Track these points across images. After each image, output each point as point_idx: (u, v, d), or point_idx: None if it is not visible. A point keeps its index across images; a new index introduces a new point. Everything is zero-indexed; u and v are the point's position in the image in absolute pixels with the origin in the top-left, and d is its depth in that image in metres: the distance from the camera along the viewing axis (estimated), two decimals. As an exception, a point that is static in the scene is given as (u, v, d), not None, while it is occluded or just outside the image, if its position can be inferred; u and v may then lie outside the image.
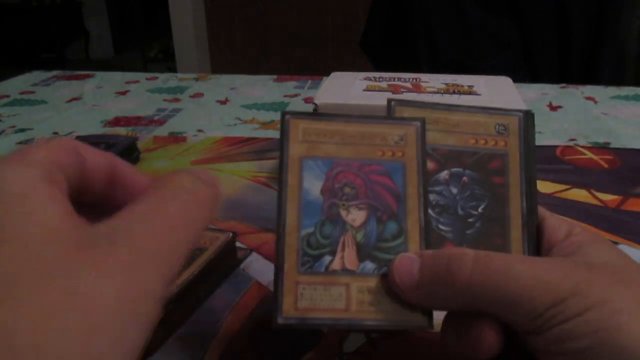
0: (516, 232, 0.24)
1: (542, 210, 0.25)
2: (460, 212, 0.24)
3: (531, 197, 0.24)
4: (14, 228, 0.14)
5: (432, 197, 0.24)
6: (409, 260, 0.22)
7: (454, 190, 0.24)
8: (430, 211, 0.24)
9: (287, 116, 0.24)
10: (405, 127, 0.24)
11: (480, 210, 0.24)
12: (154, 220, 0.17)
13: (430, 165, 0.24)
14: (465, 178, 0.24)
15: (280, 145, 0.24)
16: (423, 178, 0.24)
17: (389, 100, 0.25)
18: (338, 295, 0.22)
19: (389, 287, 0.22)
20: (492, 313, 0.21)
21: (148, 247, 0.16)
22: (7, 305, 0.13)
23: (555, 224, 0.24)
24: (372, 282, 0.23)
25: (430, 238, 0.23)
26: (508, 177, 0.24)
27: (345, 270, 0.23)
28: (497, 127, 0.25)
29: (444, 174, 0.24)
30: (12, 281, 0.13)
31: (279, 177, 0.23)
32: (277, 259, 0.23)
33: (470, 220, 0.24)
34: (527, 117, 0.25)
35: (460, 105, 0.25)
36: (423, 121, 0.24)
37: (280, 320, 0.22)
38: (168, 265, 0.16)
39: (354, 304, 0.22)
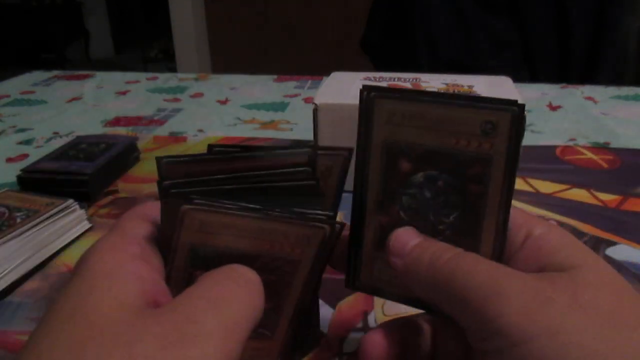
0: (486, 247, 0.22)
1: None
2: (431, 218, 0.23)
3: (507, 210, 0.22)
4: (94, 301, 0.17)
5: (404, 199, 0.23)
6: (410, 235, 0.23)
7: (428, 195, 0.23)
8: (401, 213, 0.23)
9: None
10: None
11: (452, 218, 0.22)
12: (212, 300, 0.19)
13: (405, 165, 0.23)
14: (440, 182, 0.22)
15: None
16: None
17: (362, 91, 0.22)
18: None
19: None
20: (449, 312, 0.21)
21: (197, 326, 0.17)
22: None
23: (516, 223, 0.22)
24: None
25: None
26: (488, 187, 0.21)
27: None
28: (483, 125, 0.21)
29: (419, 176, 0.23)
30: (82, 348, 0.16)
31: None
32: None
33: (441, 227, 0.23)
34: (520, 115, 0.21)
35: (445, 94, 0.22)
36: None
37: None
38: (228, 342, 0.18)
39: None
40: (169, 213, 0.21)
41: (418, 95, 0.22)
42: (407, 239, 0.22)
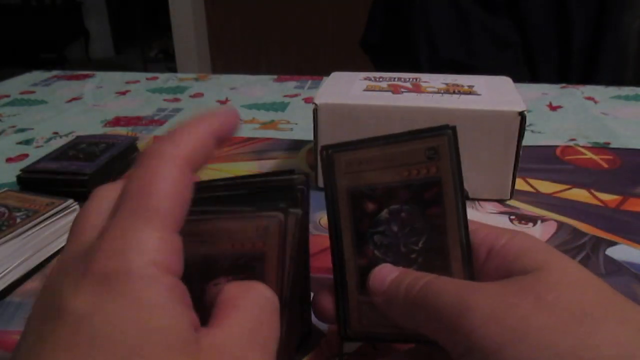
0: (457, 264, 0.24)
1: (472, 223, 0.24)
2: (402, 249, 0.24)
3: (465, 222, 0.24)
4: (143, 338, 0.16)
5: (375, 238, 0.25)
6: (388, 270, 0.24)
7: (395, 228, 0.24)
8: (376, 252, 0.25)
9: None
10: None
11: (420, 245, 0.24)
12: (250, 333, 0.19)
13: (370, 206, 0.25)
14: (403, 214, 0.24)
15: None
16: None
17: (321, 150, 0.25)
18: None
19: None
20: (430, 335, 0.21)
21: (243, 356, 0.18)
22: None
23: (478, 239, 0.23)
24: None
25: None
26: (444, 205, 0.24)
27: None
28: (427, 152, 0.24)
29: (384, 213, 0.24)
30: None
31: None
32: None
33: (412, 256, 0.24)
34: (455, 134, 0.24)
35: (389, 136, 0.25)
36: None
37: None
38: None
39: None
40: None
41: (368, 142, 0.25)
42: (384, 275, 0.23)
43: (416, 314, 0.21)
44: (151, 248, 0.17)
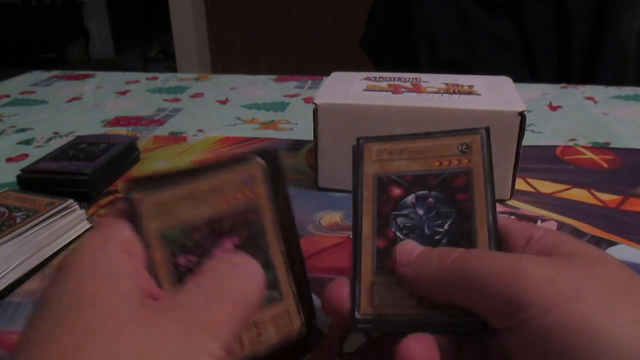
0: (483, 246, 0.24)
1: (502, 218, 0.25)
2: (427, 231, 0.25)
3: (494, 208, 0.25)
4: (96, 292, 0.18)
5: (399, 220, 0.25)
6: (413, 245, 0.24)
7: (420, 212, 0.25)
8: (398, 233, 0.25)
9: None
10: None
11: (446, 227, 0.25)
12: (208, 292, 0.20)
13: (396, 191, 0.26)
14: (430, 199, 0.25)
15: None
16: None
17: (358, 139, 0.27)
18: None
19: None
20: (465, 303, 0.22)
21: (202, 315, 0.19)
22: (87, 349, 0.16)
23: (515, 229, 0.24)
24: None
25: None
26: (473, 192, 0.25)
27: None
28: (460, 147, 0.26)
29: (410, 198, 0.26)
30: (92, 333, 0.17)
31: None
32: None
33: (437, 237, 0.25)
34: (488, 134, 0.26)
35: (423, 133, 0.27)
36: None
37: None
38: (221, 331, 0.19)
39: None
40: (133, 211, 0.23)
41: (401, 136, 0.27)
42: (410, 248, 0.24)
43: (452, 283, 0.22)
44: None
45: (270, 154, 0.25)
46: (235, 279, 0.21)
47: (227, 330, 0.19)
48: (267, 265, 0.24)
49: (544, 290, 0.19)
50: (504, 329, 0.20)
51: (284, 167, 0.25)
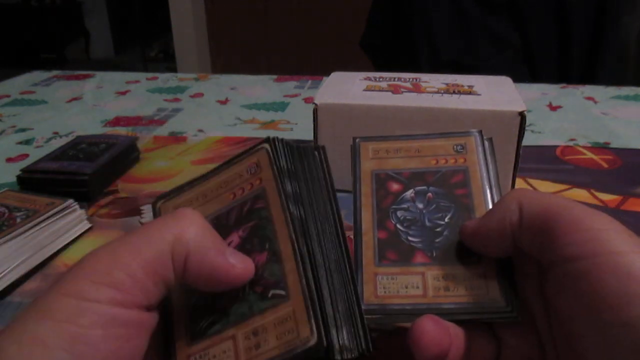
0: None
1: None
2: (427, 224, 0.26)
3: (493, 201, 0.25)
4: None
5: (399, 213, 0.26)
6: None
7: (420, 206, 0.26)
8: (398, 226, 0.26)
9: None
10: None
11: (447, 219, 0.25)
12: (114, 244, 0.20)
13: (395, 186, 0.27)
14: (430, 194, 0.26)
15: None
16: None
17: (354, 139, 0.28)
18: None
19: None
20: (530, 247, 0.22)
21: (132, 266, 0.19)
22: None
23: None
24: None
25: None
26: (471, 188, 0.26)
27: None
28: (455, 147, 0.27)
29: (409, 193, 0.26)
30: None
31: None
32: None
33: (438, 230, 0.25)
34: (481, 135, 0.27)
35: (419, 134, 0.28)
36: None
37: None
38: (149, 276, 0.19)
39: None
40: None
41: (396, 137, 0.28)
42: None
43: (524, 227, 0.22)
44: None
45: (277, 139, 0.24)
46: (153, 231, 0.20)
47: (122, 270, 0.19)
48: (273, 255, 0.21)
49: (611, 237, 0.21)
50: (567, 258, 0.20)
51: (326, 156, 0.24)
